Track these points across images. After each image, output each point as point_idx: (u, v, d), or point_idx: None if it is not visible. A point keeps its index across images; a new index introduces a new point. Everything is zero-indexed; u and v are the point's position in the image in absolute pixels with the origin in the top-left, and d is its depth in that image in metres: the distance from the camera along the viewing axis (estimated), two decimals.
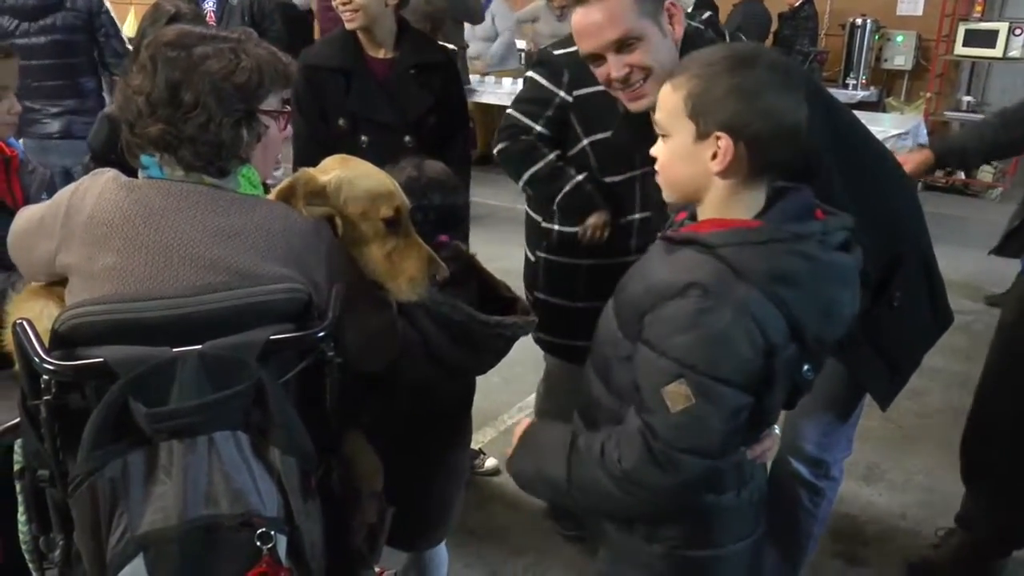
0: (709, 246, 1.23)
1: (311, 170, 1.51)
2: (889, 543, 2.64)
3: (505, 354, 1.86)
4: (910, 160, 2.22)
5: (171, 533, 1.15)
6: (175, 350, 1.18)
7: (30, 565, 1.65)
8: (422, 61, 2.36)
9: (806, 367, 1.37)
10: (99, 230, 1.32)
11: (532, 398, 3.55)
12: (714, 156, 1.24)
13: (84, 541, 1.21)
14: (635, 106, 1.67)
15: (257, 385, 1.21)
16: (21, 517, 1.64)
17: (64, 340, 1.21)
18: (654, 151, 1.35)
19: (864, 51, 7.54)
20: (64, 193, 1.40)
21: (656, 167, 1.35)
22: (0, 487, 1.44)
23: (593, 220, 2.20)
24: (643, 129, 1.54)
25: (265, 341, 1.22)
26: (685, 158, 1.28)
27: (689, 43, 1.66)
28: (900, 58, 7.60)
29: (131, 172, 1.44)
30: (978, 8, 7.23)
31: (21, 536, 1.64)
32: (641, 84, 1.62)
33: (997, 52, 6.77)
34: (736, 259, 1.20)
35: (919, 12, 7.68)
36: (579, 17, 1.62)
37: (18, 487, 1.62)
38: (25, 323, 1.22)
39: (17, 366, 1.37)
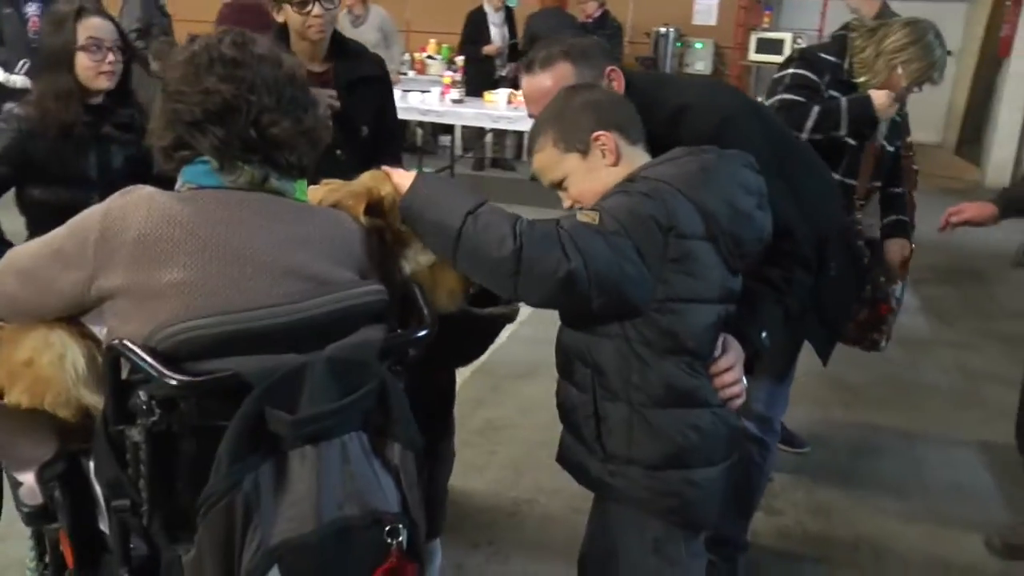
0: (636, 177, 1.53)
1: (368, 183, 1.54)
2: (796, 492, 2.97)
3: (491, 343, 2.00)
4: (973, 209, 2.53)
5: (308, 539, 1.16)
6: (303, 356, 1.19)
7: None
8: (359, 75, 2.36)
9: (764, 334, 1.66)
10: (157, 247, 1.27)
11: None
12: (604, 154, 1.55)
13: (209, 564, 1.17)
14: None
15: (380, 384, 1.23)
16: (31, 564, 1.55)
17: (166, 358, 1.18)
18: (565, 203, 1.61)
19: (668, 57, 8.21)
20: (89, 218, 1.33)
21: (575, 205, 1.59)
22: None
23: None
24: None
25: (383, 341, 1.25)
26: (589, 176, 1.57)
27: (632, 89, 1.79)
28: (701, 63, 8.33)
29: None
30: (766, 19, 8.07)
31: (29, 573, 1.55)
32: None
33: (783, 58, 7.57)
34: (654, 172, 1.52)
35: (713, 22, 8.46)
36: (527, 84, 1.77)
37: (30, 533, 1.53)
38: (127, 342, 1.17)
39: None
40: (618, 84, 1.76)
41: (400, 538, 1.23)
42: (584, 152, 1.57)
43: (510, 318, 1.93)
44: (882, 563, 2.63)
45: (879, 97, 2.42)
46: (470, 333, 1.90)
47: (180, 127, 1.35)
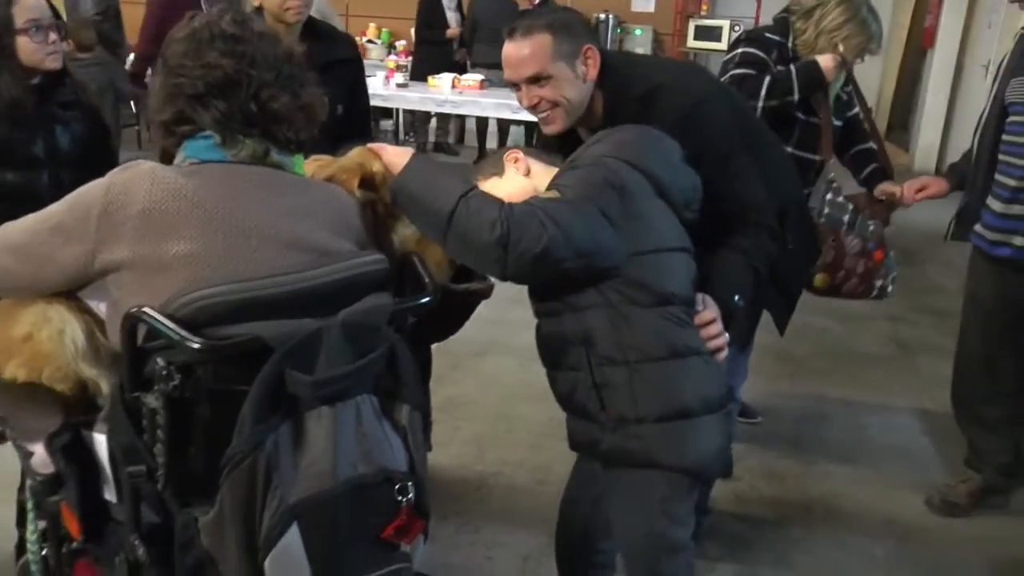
0: (576, 158, 1.70)
1: (358, 159, 1.57)
2: (751, 459, 3.10)
3: (467, 319, 2.06)
4: (935, 185, 2.73)
5: (325, 496, 1.21)
6: (319, 320, 1.23)
7: None
8: (333, 58, 2.38)
9: (737, 297, 1.78)
10: (163, 220, 1.30)
11: None
12: (516, 168, 1.75)
13: (230, 523, 1.21)
14: (546, 130, 1.92)
15: (390, 348, 1.28)
16: (31, 536, 1.56)
17: (184, 324, 1.20)
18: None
19: (608, 43, 8.30)
20: (90, 193, 1.35)
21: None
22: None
23: None
24: None
25: (392, 306, 1.30)
26: (506, 186, 1.72)
27: (607, 68, 1.87)
28: (640, 50, 8.40)
29: None
30: (704, 6, 8.24)
31: (29, 547, 1.56)
32: (548, 112, 1.85)
33: (722, 45, 7.77)
34: (588, 152, 1.69)
35: (651, 9, 8.60)
36: (507, 48, 1.84)
37: (30, 504, 1.54)
38: (149, 309, 1.20)
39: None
40: (593, 62, 1.83)
41: (409, 496, 1.28)
42: (500, 173, 1.76)
43: (485, 294, 1.99)
44: (833, 522, 2.78)
45: (825, 61, 2.56)
46: (449, 309, 1.96)
47: (182, 101, 1.37)
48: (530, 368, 3.80)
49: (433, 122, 8.16)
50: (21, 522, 1.78)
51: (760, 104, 2.52)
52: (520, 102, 1.88)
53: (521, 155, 1.76)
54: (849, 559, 2.61)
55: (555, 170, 1.72)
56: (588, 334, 1.62)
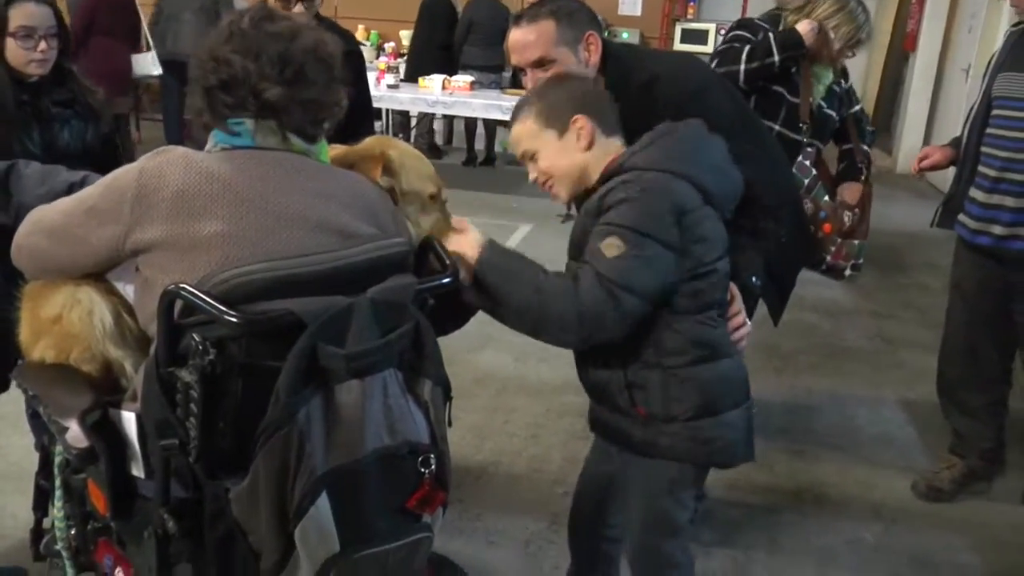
0: (617, 169, 1.66)
1: (377, 147, 1.64)
2: None
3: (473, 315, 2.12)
4: (938, 154, 2.83)
5: (354, 466, 1.26)
6: (348, 297, 1.29)
7: (63, 555, 1.62)
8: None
9: (754, 278, 1.86)
10: (197, 201, 1.36)
11: None
12: (579, 137, 1.70)
13: (264, 492, 1.26)
14: None
15: (415, 324, 1.35)
16: (59, 513, 1.61)
17: (219, 301, 1.26)
18: (531, 175, 1.76)
19: None
20: (124, 177, 1.41)
21: (541, 181, 1.76)
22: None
23: None
24: None
25: (416, 285, 1.36)
26: (560, 155, 1.72)
27: (609, 57, 1.96)
28: None
29: None
30: (690, 10, 8.36)
31: (57, 524, 1.61)
32: None
33: (708, 49, 7.87)
34: (642, 160, 1.65)
35: (638, 12, 8.70)
36: (513, 34, 1.92)
37: (57, 483, 1.59)
38: (187, 285, 1.25)
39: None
40: (595, 48, 1.91)
41: (432, 467, 1.35)
42: (561, 131, 1.71)
43: None
44: (823, 508, 2.87)
45: (802, 26, 2.68)
46: (457, 301, 2.01)
47: (201, 93, 1.44)
48: (525, 363, 3.90)
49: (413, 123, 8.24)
50: (38, 505, 1.83)
51: (742, 67, 2.63)
52: (525, 86, 1.94)
53: (589, 126, 1.70)
54: (839, 543, 2.69)
55: (612, 153, 1.69)
56: (628, 342, 1.66)
